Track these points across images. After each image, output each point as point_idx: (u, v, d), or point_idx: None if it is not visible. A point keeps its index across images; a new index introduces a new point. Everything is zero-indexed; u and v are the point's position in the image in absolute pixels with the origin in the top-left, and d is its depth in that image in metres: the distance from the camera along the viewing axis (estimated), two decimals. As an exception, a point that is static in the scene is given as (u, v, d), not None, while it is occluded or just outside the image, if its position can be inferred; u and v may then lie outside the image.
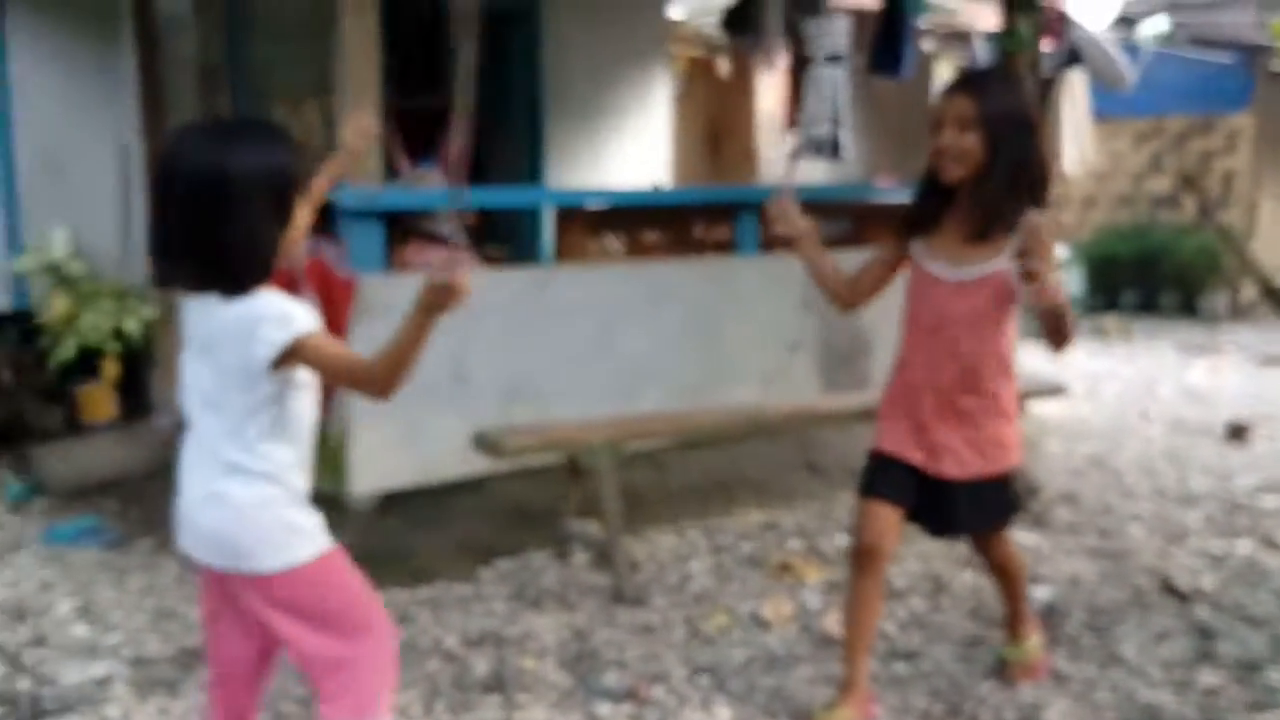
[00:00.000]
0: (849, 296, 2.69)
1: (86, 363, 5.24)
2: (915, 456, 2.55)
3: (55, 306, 5.13)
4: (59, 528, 4.07)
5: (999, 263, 2.43)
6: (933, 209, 2.52)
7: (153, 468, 4.77)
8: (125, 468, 4.70)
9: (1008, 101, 2.44)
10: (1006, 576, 2.78)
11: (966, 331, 2.48)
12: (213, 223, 1.76)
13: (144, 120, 5.21)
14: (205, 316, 1.84)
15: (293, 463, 1.91)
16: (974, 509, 2.58)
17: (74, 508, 4.40)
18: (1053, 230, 2.27)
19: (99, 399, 5.19)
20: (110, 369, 5.27)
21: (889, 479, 2.58)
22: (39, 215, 5.48)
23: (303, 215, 1.90)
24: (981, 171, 2.40)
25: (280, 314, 1.79)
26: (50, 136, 5.56)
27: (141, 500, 4.48)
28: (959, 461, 2.52)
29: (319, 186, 2.15)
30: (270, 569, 1.86)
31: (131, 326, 5.22)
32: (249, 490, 1.85)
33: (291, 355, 1.79)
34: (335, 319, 3.65)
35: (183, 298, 1.90)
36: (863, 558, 2.56)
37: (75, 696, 2.74)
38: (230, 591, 1.94)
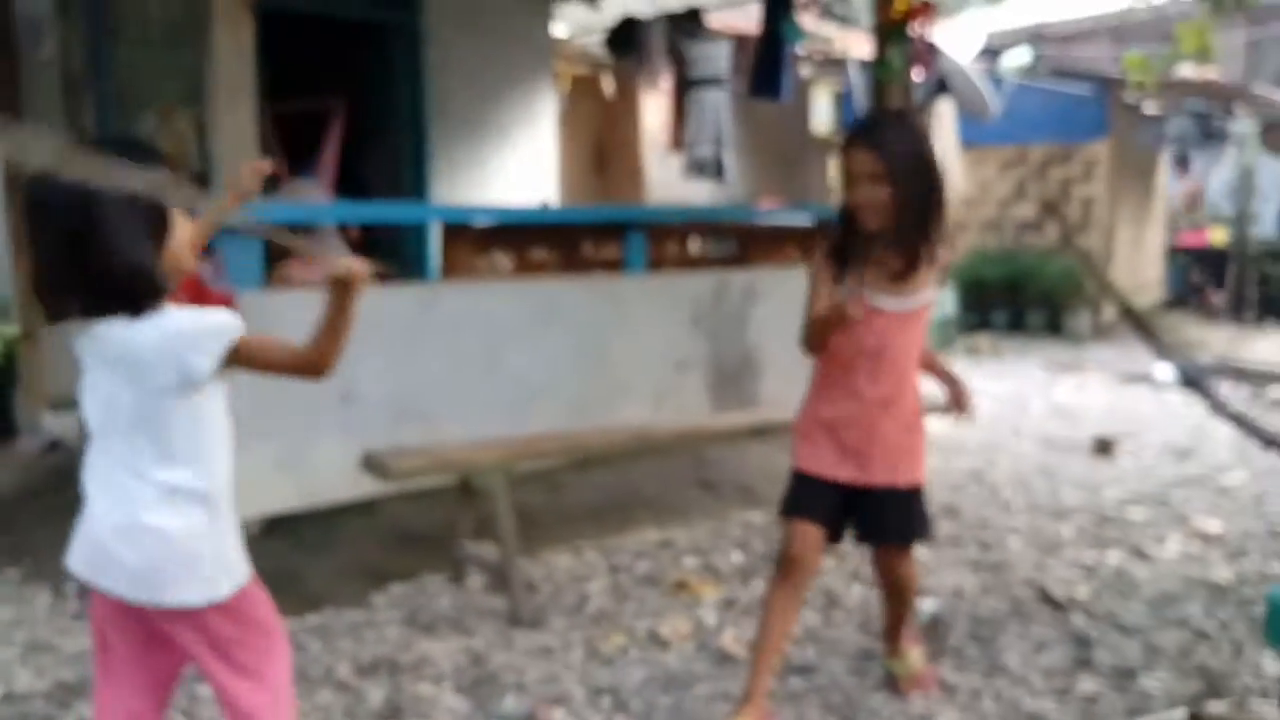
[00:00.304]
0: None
1: (-56, 384, 4.93)
2: (839, 472, 2.64)
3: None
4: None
5: (928, 293, 2.62)
6: (857, 247, 2.62)
7: (19, 492, 4.53)
8: (-14, 494, 4.44)
9: (909, 148, 2.55)
10: (898, 592, 2.83)
11: (903, 354, 2.64)
12: (93, 250, 1.73)
13: (1, 128, 4.94)
14: (111, 339, 1.79)
15: (228, 478, 1.90)
16: (900, 518, 2.68)
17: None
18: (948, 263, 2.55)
19: (-45, 423, 4.90)
20: (-31, 390, 4.98)
21: (811, 498, 2.65)
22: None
23: (186, 227, 1.87)
24: (897, 218, 2.53)
25: (211, 323, 1.79)
26: (-107, 145, 5.22)
27: (6, 527, 4.22)
28: (887, 469, 2.64)
29: (207, 221, 2.08)
30: (198, 602, 1.84)
31: None
32: (182, 518, 1.82)
33: (232, 359, 1.80)
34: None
35: (73, 326, 1.84)
36: (786, 571, 2.63)
37: (-66, 741, 2.56)
38: (135, 622, 1.88)
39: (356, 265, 1.83)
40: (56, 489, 4.61)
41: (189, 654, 1.91)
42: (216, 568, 1.87)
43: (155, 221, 1.79)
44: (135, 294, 1.77)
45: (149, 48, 5.22)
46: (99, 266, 1.73)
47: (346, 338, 1.87)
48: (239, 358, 1.81)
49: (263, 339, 1.87)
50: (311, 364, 1.87)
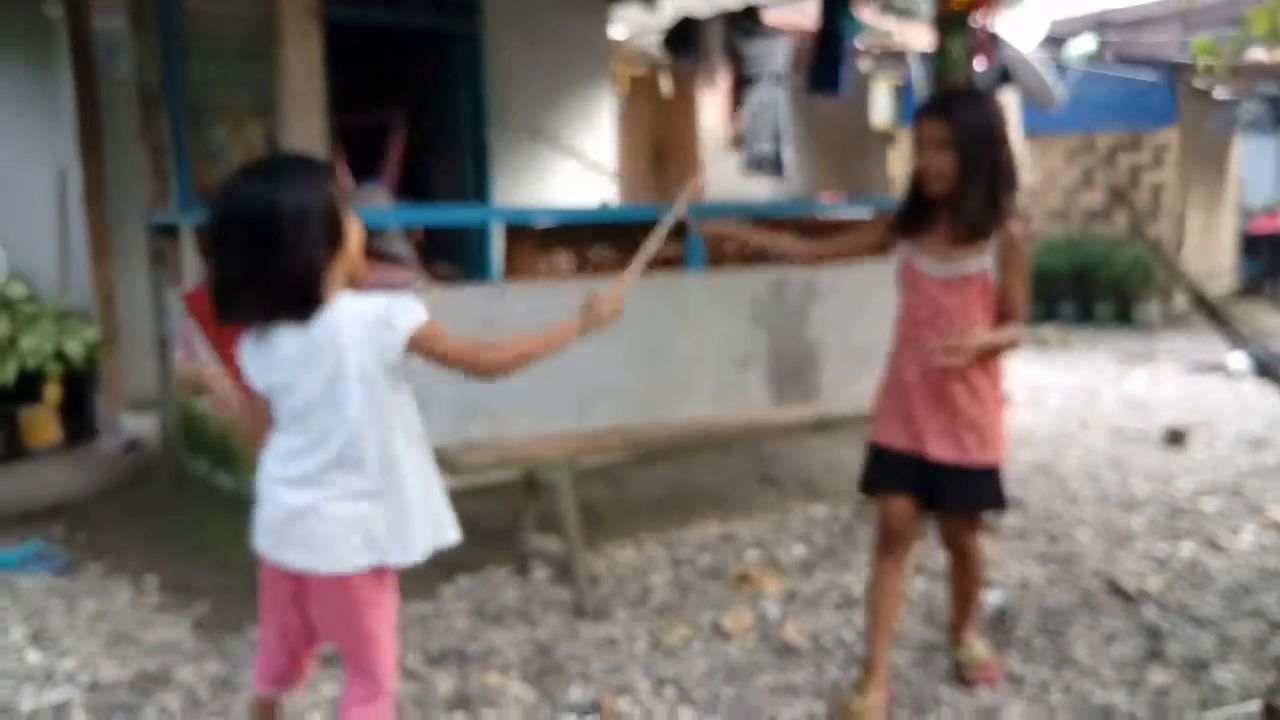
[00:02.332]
0: (816, 247, 2.85)
1: (28, 386, 5.13)
2: (910, 445, 2.69)
3: (-5, 333, 5.03)
4: (4, 554, 3.98)
5: (983, 261, 2.63)
6: (920, 214, 2.70)
7: (100, 491, 4.70)
8: (71, 492, 4.64)
9: (977, 120, 2.60)
10: (964, 572, 2.84)
11: (958, 323, 2.63)
12: (275, 258, 1.86)
13: (81, 143, 5.15)
14: (293, 338, 1.93)
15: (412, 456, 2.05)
16: (958, 491, 2.69)
17: (19, 534, 4.31)
18: (1026, 238, 2.56)
19: (41, 423, 5.10)
20: (52, 392, 5.18)
21: (889, 471, 2.73)
22: (-26, 238, 5.40)
23: (359, 233, 2.01)
24: (960, 187, 2.58)
25: (400, 303, 1.94)
26: (-15, 159, 5.49)
27: (89, 524, 4.41)
28: (954, 443, 2.65)
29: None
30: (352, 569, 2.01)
31: (73, 349, 5.13)
32: (361, 501, 1.99)
33: (413, 343, 1.94)
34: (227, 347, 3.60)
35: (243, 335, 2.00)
36: (884, 545, 2.72)
37: (31, 725, 2.69)
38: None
39: (617, 305, 2.13)
40: (135, 487, 4.82)
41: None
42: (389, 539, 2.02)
43: (333, 230, 1.92)
44: (311, 297, 1.90)
45: (221, 62, 5.41)
46: (280, 273, 1.86)
47: (543, 359, 2.07)
48: (430, 352, 1.97)
49: (449, 335, 2.01)
50: (489, 364, 2.07)
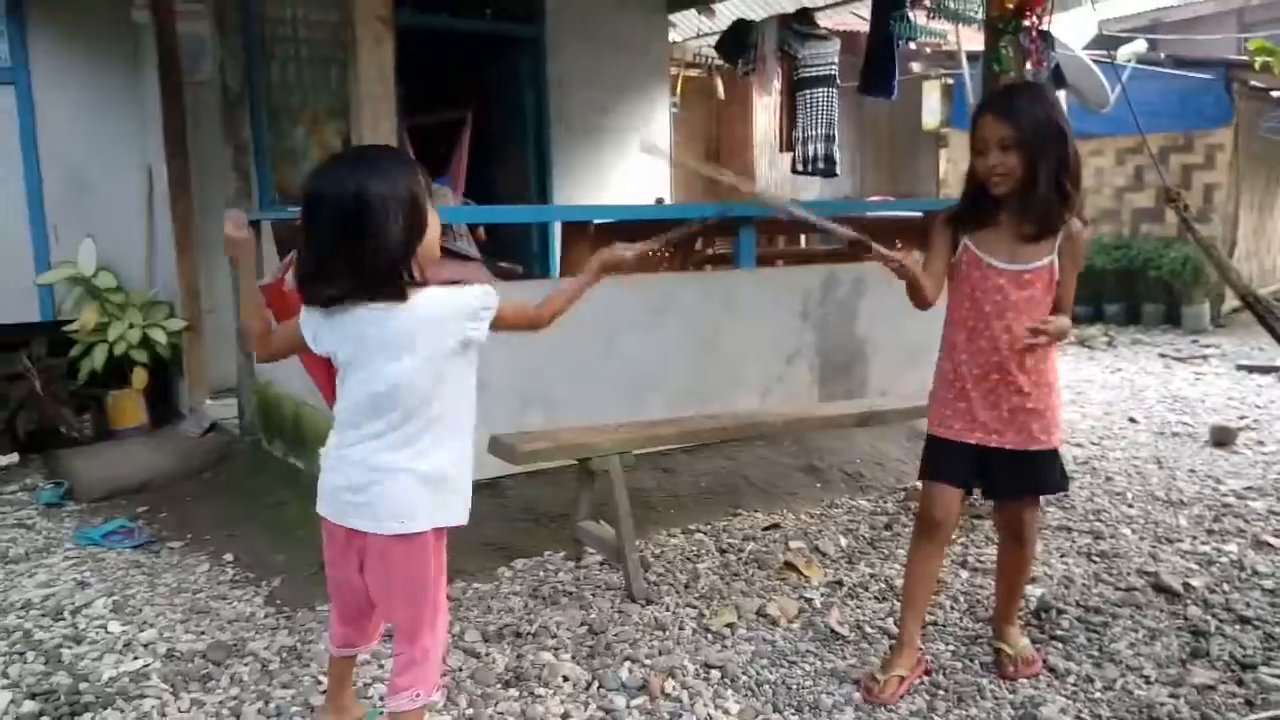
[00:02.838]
0: (934, 290, 2.83)
1: (116, 371, 5.35)
2: (969, 435, 2.77)
3: (85, 317, 5.26)
4: (90, 530, 4.18)
5: (1049, 256, 2.69)
6: (981, 211, 2.74)
7: (182, 472, 4.86)
8: (154, 472, 4.80)
9: (1039, 116, 2.61)
10: (1017, 562, 2.93)
11: (1024, 316, 2.70)
12: (364, 241, 1.99)
13: (167, 141, 5.36)
14: (375, 319, 2.07)
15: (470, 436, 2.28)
16: (1024, 475, 2.79)
17: (105, 511, 4.51)
18: (1088, 235, 2.64)
19: (128, 406, 5.31)
20: (139, 377, 5.39)
21: (946, 460, 2.82)
22: (67, 231, 5.66)
23: (437, 223, 2.16)
24: (1026, 185, 2.62)
25: (481, 295, 2.14)
26: (77, 156, 5.75)
27: (170, 503, 4.57)
28: (1017, 430, 2.74)
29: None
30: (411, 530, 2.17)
31: (159, 337, 5.36)
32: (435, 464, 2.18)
33: (495, 324, 2.15)
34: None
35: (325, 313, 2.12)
36: (926, 531, 2.84)
37: (112, 691, 2.81)
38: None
39: (629, 255, 2.41)
40: (214, 469, 4.99)
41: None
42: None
43: (416, 219, 2.05)
44: (397, 280, 2.03)
45: (299, 66, 5.61)
46: (368, 256, 1.99)
47: (571, 307, 2.36)
48: (501, 317, 2.17)
49: (510, 304, 2.22)
50: (539, 320, 2.32)
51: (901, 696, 2.77)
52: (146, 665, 3.00)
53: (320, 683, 2.83)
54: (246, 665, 2.98)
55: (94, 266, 5.52)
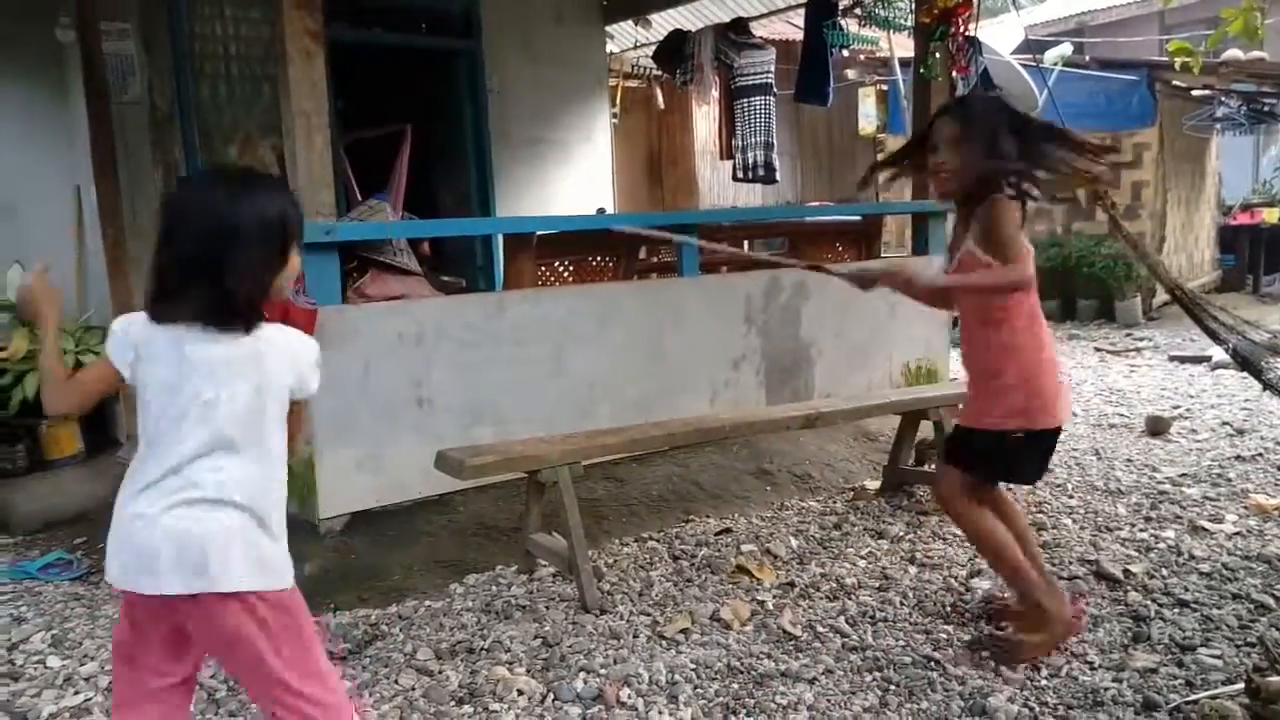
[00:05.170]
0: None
1: (49, 400, 5.20)
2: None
3: (15, 345, 5.12)
4: (27, 563, 4.08)
5: (966, 246, 2.88)
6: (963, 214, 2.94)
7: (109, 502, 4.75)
8: (92, 501, 4.68)
9: (977, 113, 2.82)
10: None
11: (967, 309, 3.03)
12: (226, 266, 1.88)
13: (95, 162, 5.25)
14: (218, 348, 1.92)
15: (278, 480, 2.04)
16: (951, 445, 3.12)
17: (41, 543, 4.40)
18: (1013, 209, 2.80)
19: (62, 435, 5.16)
20: (73, 405, 5.25)
21: (952, 447, 3.15)
22: (-7, 257, 5.49)
23: (296, 259, 2.02)
24: (961, 180, 2.84)
25: (316, 349, 2.06)
26: (1, 180, 5.59)
27: (109, 533, 4.45)
28: (967, 409, 3.06)
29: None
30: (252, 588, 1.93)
31: (92, 362, 5.21)
32: (239, 512, 1.94)
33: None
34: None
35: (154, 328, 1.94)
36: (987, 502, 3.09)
37: (54, 727, 2.74)
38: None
39: None
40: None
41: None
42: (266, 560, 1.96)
43: (280, 251, 1.96)
44: (252, 311, 1.94)
45: (230, 83, 5.52)
46: (228, 281, 1.88)
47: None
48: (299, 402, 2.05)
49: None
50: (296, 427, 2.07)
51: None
52: (88, 699, 2.94)
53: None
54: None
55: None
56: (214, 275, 1.88)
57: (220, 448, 1.91)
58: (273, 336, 1.98)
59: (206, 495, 1.90)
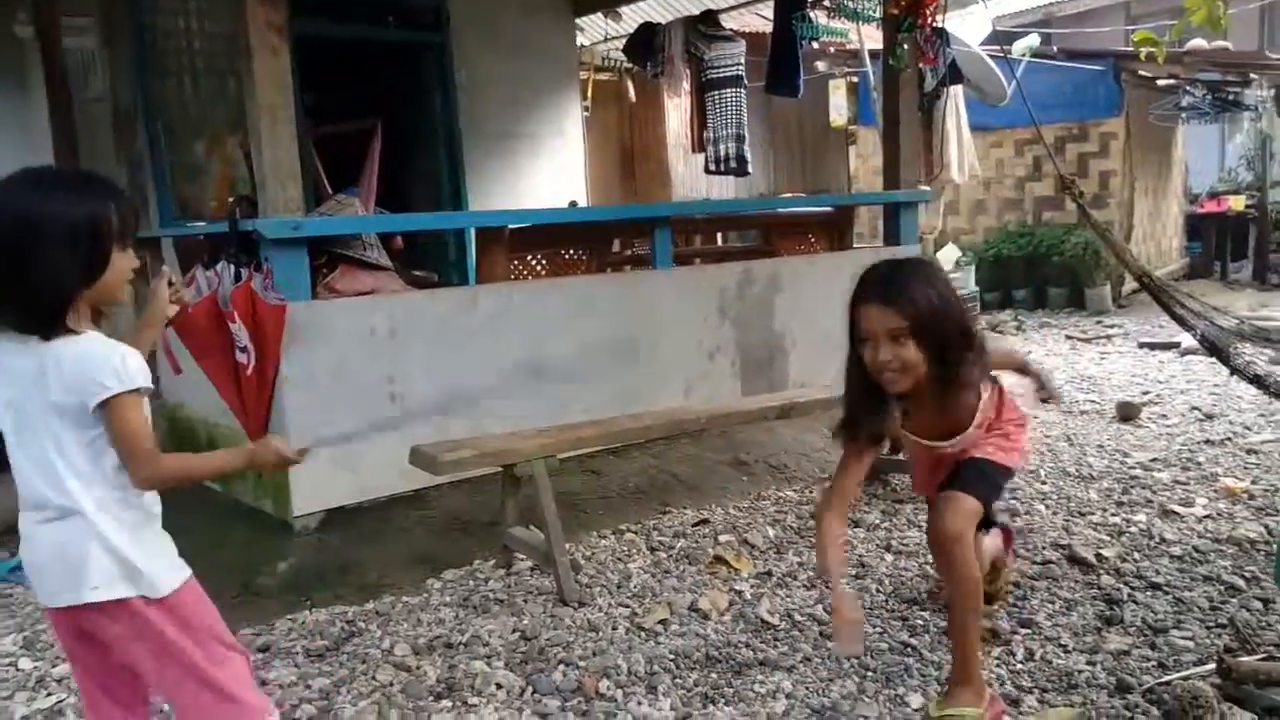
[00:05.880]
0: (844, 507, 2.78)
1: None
2: None
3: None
4: (-3, 566, 4.02)
5: (980, 415, 2.71)
6: (883, 411, 2.54)
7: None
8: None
9: (928, 297, 2.37)
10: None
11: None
12: (24, 269, 1.79)
13: (57, 161, 5.18)
14: (27, 354, 1.85)
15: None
16: None
17: (11, 545, 4.27)
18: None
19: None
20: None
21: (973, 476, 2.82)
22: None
23: (123, 262, 1.91)
24: (933, 371, 2.41)
25: (125, 365, 1.86)
26: (-42, 181, 5.50)
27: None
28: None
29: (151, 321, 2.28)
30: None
31: None
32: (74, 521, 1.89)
33: (107, 407, 1.85)
34: (266, 346, 3.70)
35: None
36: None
37: (27, 729, 2.71)
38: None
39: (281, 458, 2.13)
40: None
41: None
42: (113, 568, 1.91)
43: (93, 256, 1.85)
44: (54, 319, 1.83)
45: (195, 78, 5.45)
46: (30, 287, 1.80)
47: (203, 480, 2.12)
48: (108, 409, 1.84)
49: (136, 416, 1.89)
50: (147, 467, 1.91)
51: None
52: (60, 701, 2.91)
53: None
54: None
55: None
56: (16, 279, 1.80)
57: (48, 461, 1.86)
58: (60, 350, 1.84)
59: (54, 510, 1.88)
